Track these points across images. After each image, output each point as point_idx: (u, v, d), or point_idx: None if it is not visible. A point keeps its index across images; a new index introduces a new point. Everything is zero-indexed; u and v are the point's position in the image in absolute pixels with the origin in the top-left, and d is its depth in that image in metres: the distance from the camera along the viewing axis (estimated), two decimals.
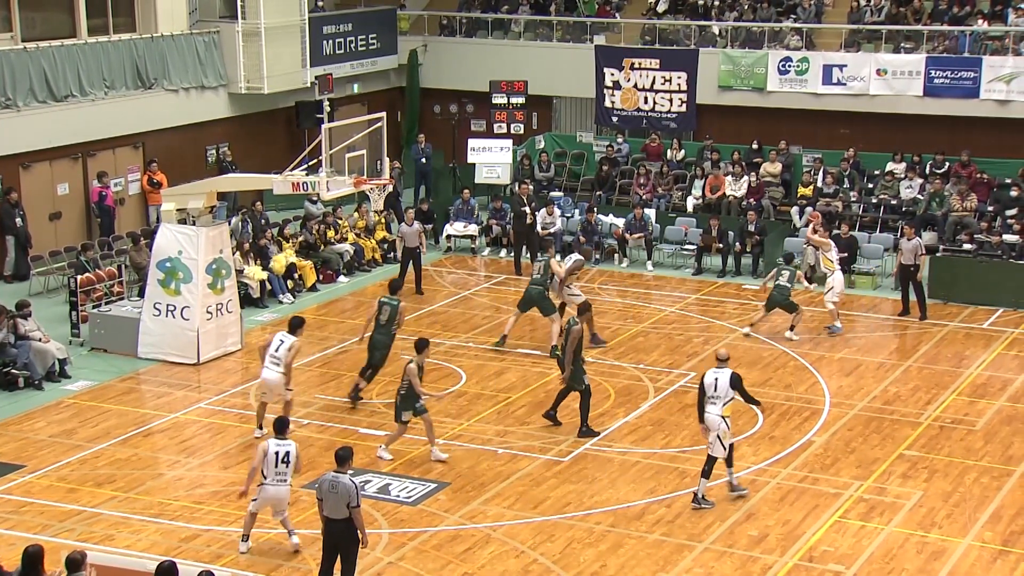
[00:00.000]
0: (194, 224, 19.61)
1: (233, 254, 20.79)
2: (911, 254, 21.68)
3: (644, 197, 27.60)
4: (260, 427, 16.13)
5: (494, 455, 15.89)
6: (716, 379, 14.39)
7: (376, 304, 17.61)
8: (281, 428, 13.13)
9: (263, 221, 25.00)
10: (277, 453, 12.92)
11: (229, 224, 22.03)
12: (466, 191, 27.23)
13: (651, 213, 26.42)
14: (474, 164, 28.75)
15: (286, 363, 15.71)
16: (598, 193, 28.71)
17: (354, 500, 11.98)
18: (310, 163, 19.13)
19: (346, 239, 25.29)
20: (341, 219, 25.55)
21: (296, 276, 23.55)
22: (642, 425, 16.94)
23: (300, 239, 24.47)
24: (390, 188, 20.70)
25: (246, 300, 22.05)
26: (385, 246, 26.05)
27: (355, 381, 17.67)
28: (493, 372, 19.04)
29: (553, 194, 28.23)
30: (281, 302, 22.94)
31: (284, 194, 19.53)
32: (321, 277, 24.27)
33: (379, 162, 19.57)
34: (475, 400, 17.91)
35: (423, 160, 29.91)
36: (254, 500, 13.16)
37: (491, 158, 28.59)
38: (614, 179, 29.04)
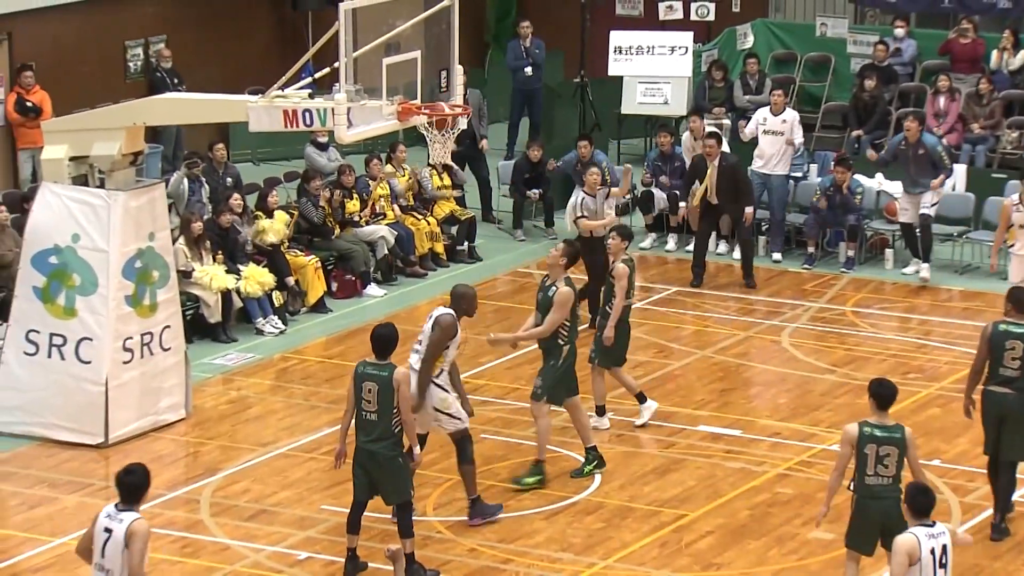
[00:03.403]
0: (102, 185, 19.84)
1: (174, 242, 21.02)
2: None
3: (946, 142, 27.34)
4: None
5: None
6: None
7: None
8: None
9: (228, 181, 25.26)
10: None
11: (167, 186, 22.24)
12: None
13: (959, 171, 26.26)
14: (621, 79, 28.84)
15: (132, 569, 13.17)
16: (856, 133, 28.62)
17: None
18: (315, 75, 19.26)
19: (383, 215, 25.50)
20: (373, 180, 25.71)
21: (293, 283, 23.80)
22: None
23: (297, 217, 24.67)
24: (464, 123, 20.71)
25: (197, 327, 22.36)
26: (455, 230, 26.18)
27: None
28: (648, 470, 19.07)
29: None
30: (261, 331, 23.16)
31: (268, 131, 19.69)
32: (336, 286, 24.52)
33: (445, 74, 19.63)
34: (620, 518, 17.92)
35: (527, 71, 29.97)
36: None
37: (654, 68, 28.65)
38: (887, 108, 28.91)
